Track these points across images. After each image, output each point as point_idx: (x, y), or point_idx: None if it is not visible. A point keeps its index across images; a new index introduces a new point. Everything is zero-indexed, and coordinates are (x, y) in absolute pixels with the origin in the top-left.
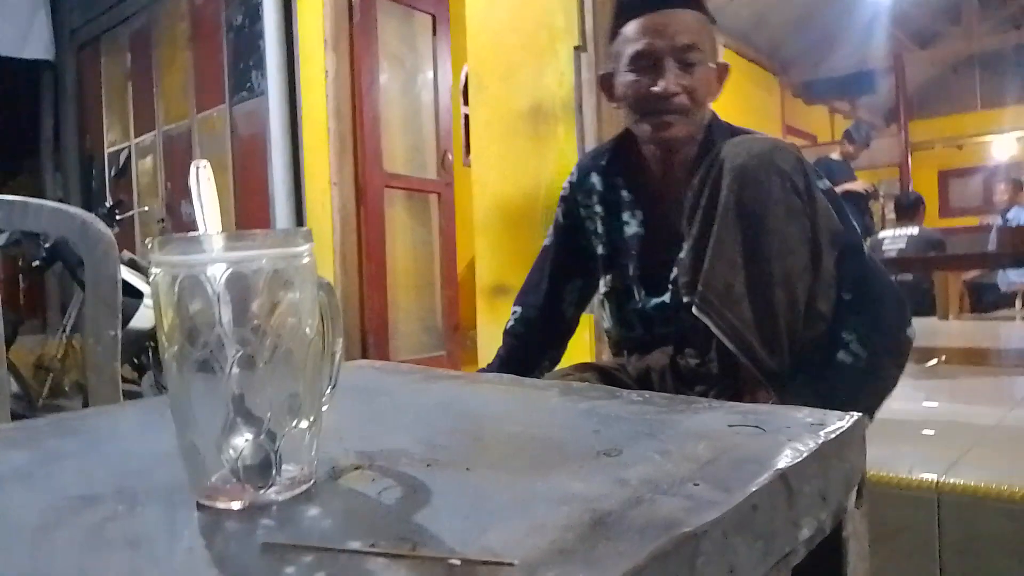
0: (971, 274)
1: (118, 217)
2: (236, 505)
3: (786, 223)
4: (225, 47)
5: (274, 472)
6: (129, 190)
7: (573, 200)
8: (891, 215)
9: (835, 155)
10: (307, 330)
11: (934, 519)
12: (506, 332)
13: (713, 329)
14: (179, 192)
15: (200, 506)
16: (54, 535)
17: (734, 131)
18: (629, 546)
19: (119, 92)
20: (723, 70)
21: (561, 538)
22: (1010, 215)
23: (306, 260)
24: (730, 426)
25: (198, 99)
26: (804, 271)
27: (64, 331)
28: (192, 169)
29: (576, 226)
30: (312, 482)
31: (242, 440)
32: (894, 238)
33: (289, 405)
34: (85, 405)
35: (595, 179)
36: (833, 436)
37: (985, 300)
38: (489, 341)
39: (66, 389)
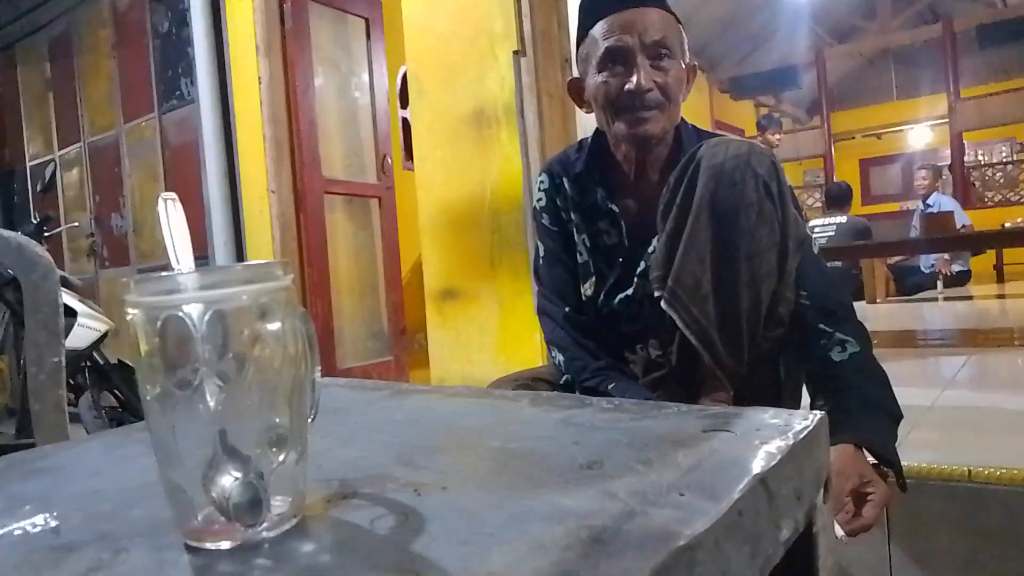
0: (895, 258)
1: (46, 234)
2: (226, 544)
3: (757, 226)
4: (152, 54)
5: (264, 508)
6: (56, 205)
7: (555, 206)
8: (818, 204)
9: None
10: (289, 361)
11: None
12: (568, 340)
13: (678, 323)
14: (108, 205)
15: (188, 547)
16: None
17: (700, 133)
18: (631, 563)
19: (39, 102)
20: (691, 70)
21: (563, 558)
22: (931, 201)
23: (285, 292)
24: (703, 431)
25: (125, 108)
26: (769, 275)
27: None
28: (160, 202)
29: (568, 232)
30: (301, 515)
31: (229, 477)
32: (824, 227)
33: (274, 437)
34: (19, 431)
35: (568, 186)
36: (803, 436)
37: (909, 283)
38: (440, 345)
39: None
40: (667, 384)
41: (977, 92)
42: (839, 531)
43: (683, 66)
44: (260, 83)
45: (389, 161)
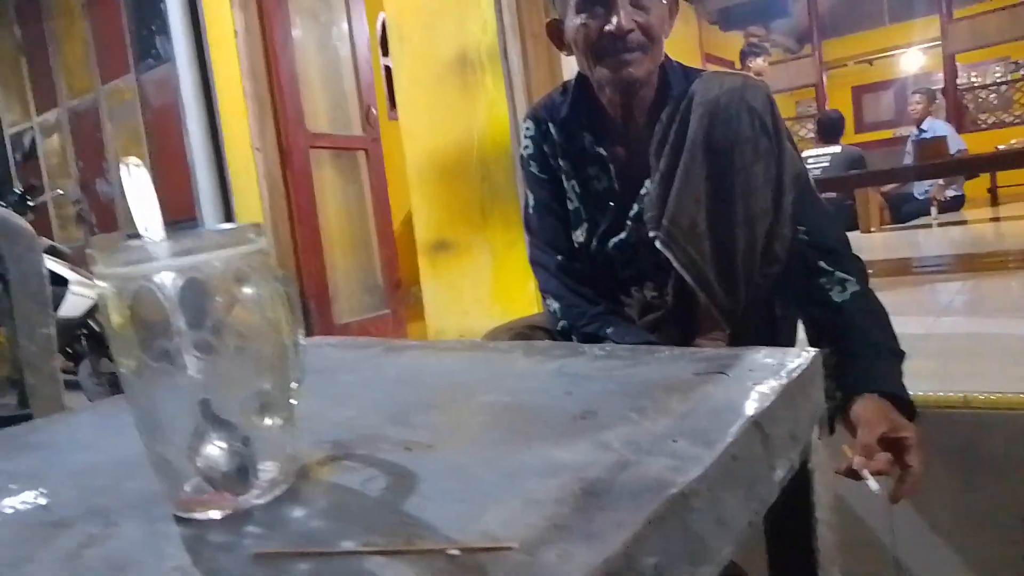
0: (889, 186)
1: (30, 204)
2: (216, 514)
3: (752, 162)
4: (124, 13)
5: (251, 476)
6: (38, 173)
7: (542, 153)
8: (811, 135)
9: None
10: (269, 325)
11: None
12: (563, 289)
13: (674, 263)
14: (93, 170)
15: (179, 519)
16: (28, 571)
17: (687, 71)
18: (625, 515)
19: (12, 68)
20: (673, 5)
21: (557, 513)
22: (925, 126)
23: (261, 255)
24: (696, 374)
25: (102, 70)
26: (765, 213)
27: None
28: (122, 168)
29: (557, 179)
30: (292, 480)
31: (214, 446)
32: (818, 158)
33: (259, 404)
34: (21, 402)
35: (554, 132)
36: (796, 375)
37: (904, 211)
38: (434, 298)
39: None
40: (664, 325)
41: (970, 12)
42: (873, 485)
43: (664, 3)
44: (236, 37)
45: (374, 112)
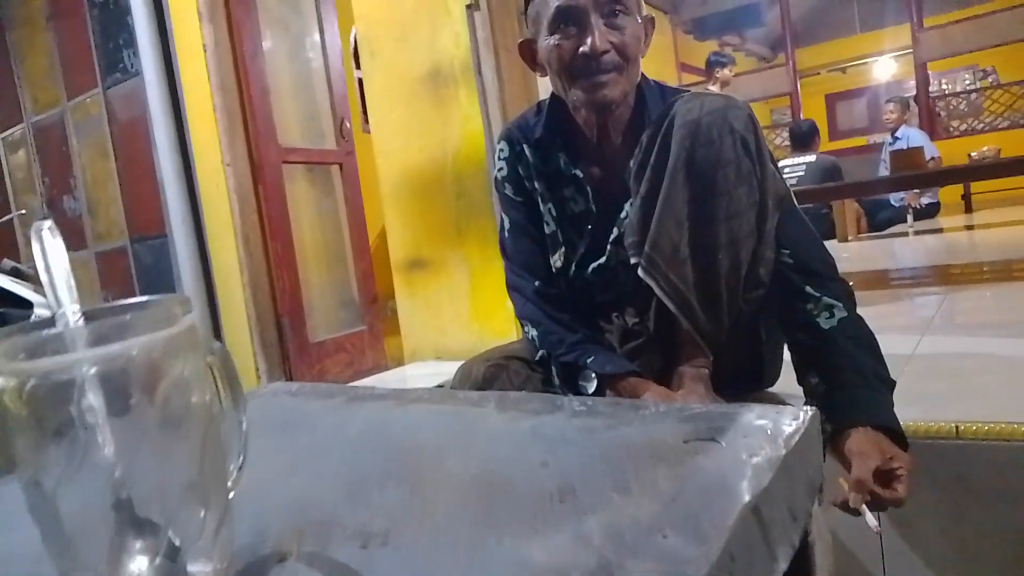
0: None
1: None
2: None
3: (736, 185)
4: (90, 25)
5: None
6: (3, 190)
7: (517, 174)
8: (786, 144)
9: (714, 87)
10: (198, 408)
11: None
12: (541, 315)
13: (656, 291)
14: (59, 187)
15: None
16: None
17: (664, 90)
18: None
19: None
20: (649, 23)
21: None
22: (899, 134)
23: (188, 333)
24: (685, 441)
25: (67, 84)
26: (749, 235)
27: None
28: (33, 233)
29: (533, 202)
30: None
31: (135, 559)
32: (793, 167)
33: (189, 498)
34: None
35: (528, 153)
36: (794, 443)
37: (880, 217)
38: (410, 317)
39: None
40: (645, 353)
41: (940, 21)
42: (872, 521)
43: (639, 21)
44: (205, 51)
45: (348, 125)
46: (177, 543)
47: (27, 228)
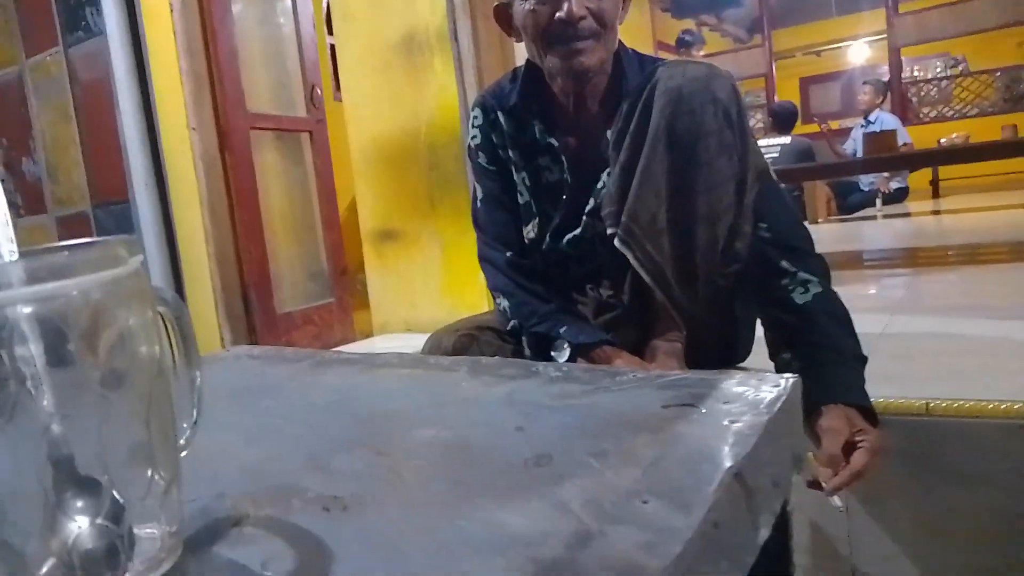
0: None
1: None
2: None
3: (716, 156)
4: None
5: (123, 556)
6: None
7: (491, 143)
8: (760, 125)
9: None
10: (146, 361)
11: None
12: (513, 286)
13: (632, 262)
14: (18, 149)
15: None
16: None
17: (642, 59)
18: None
19: None
20: None
21: None
22: (872, 118)
23: (135, 278)
24: (664, 407)
25: (26, 42)
26: (728, 209)
27: None
28: None
29: (507, 171)
30: (177, 555)
31: (75, 520)
32: (767, 148)
33: (136, 458)
34: None
35: (503, 120)
36: (777, 409)
37: (849, 201)
38: (381, 289)
39: None
40: (620, 325)
41: (914, 7)
42: (836, 501)
43: None
44: (172, 11)
45: (319, 92)
46: (122, 503)
47: None
